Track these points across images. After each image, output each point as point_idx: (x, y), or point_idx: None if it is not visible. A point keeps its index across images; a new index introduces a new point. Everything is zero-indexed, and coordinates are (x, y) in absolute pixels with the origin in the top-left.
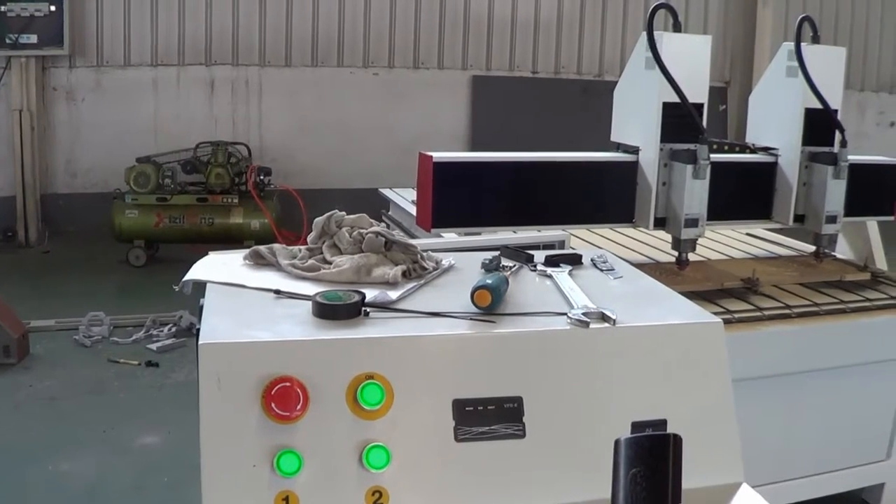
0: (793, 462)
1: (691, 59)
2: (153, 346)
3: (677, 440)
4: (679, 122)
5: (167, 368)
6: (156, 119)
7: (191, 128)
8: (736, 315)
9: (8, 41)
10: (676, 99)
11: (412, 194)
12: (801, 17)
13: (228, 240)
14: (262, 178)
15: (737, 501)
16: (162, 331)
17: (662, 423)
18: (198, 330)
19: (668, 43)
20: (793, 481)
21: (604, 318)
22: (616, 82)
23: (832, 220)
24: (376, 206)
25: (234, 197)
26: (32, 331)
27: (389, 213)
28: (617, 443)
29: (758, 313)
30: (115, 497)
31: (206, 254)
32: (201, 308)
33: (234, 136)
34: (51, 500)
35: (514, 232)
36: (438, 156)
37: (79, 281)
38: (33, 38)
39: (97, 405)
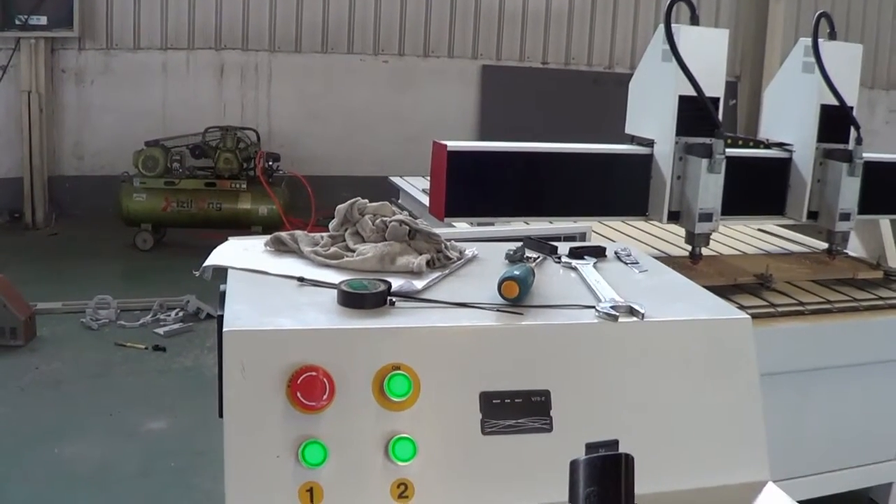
0: (801, 459)
1: (708, 53)
2: (160, 331)
3: (629, 460)
4: (695, 115)
5: (174, 353)
6: (164, 103)
7: (200, 112)
8: (749, 311)
9: (17, 22)
10: (692, 92)
11: (422, 182)
12: (818, 13)
13: (236, 225)
14: (270, 163)
15: (762, 500)
16: (169, 315)
17: (615, 444)
18: (215, 316)
19: (686, 36)
20: (801, 479)
21: (632, 311)
22: (626, 74)
23: (846, 217)
24: (385, 193)
25: (242, 182)
26: (39, 313)
27: (399, 201)
28: (574, 463)
29: (771, 309)
30: (121, 482)
31: (226, 239)
32: (222, 294)
33: (242, 122)
34: (56, 483)
35: (527, 223)
36: (453, 145)
37: (85, 264)
38: (43, 20)
39: (103, 389)
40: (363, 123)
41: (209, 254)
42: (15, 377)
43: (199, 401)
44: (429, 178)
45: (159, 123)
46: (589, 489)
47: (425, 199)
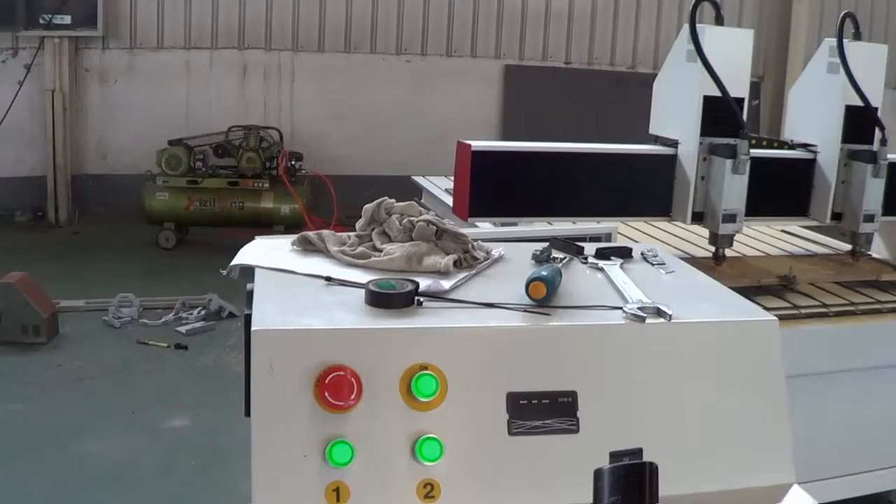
0: (824, 462)
1: (733, 53)
2: (182, 329)
3: (653, 468)
4: (719, 116)
5: (196, 351)
6: (187, 102)
7: (222, 112)
8: (772, 312)
9: (42, 21)
10: (717, 92)
11: (445, 182)
12: (843, 13)
13: (258, 224)
14: (293, 163)
15: (788, 502)
16: (191, 314)
17: (639, 452)
18: (238, 315)
19: (711, 36)
20: (821, 481)
21: (659, 313)
22: (649, 74)
23: (870, 218)
24: (407, 193)
25: (265, 181)
26: (62, 311)
27: (422, 200)
28: (598, 472)
29: (794, 311)
30: (142, 479)
31: (252, 238)
32: (250, 293)
33: (265, 121)
34: (78, 480)
35: (550, 223)
36: (477, 145)
37: (108, 262)
38: (67, 19)
39: (125, 386)
40: (385, 123)
41: (232, 252)
42: (37, 374)
43: (220, 399)
44: (451, 177)
45: (182, 122)
46: (613, 498)
47: (448, 199)
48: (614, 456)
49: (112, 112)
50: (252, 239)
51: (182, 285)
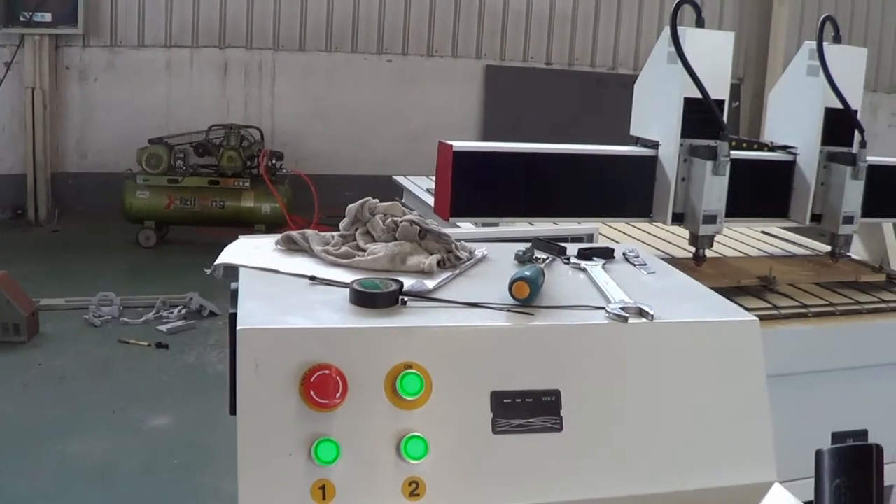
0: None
1: (713, 55)
2: (163, 328)
3: (879, 451)
4: (700, 117)
5: (177, 350)
6: (168, 101)
7: (203, 110)
8: (752, 313)
9: (22, 19)
10: (698, 94)
11: (426, 182)
12: (823, 16)
13: (239, 223)
14: (273, 162)
15: (769, 500)
16: (172, 312)
17: (863, 434)
18: (218, 314)
19: (691, 38)
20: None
21: (641, 313)
22: (630, 75)
23: (849, 220)
24: (388, 192)
25: (245, 180)
26: (42, 309)
27: (403, 200)
28: (819, 453)
29: (774, 312)
30: (124, 478)
31: (236, 237)
32: (234, 292)
33: (246, 120)
34: (60, 480)
35: (531, 224)
36: (459, 145)
37: (88, 260)
38: (47, 17)
39: (107, 385)
40: (366, 122)
41: (212, 251)
42: (18, 373)
43: (202, 398)
44: (433, 177)
45: (163, 121)
46: (837, 481)
47: (429, 199)
48: (837, 436)
49: (92, 110)
50: (236, 238)
51: (163, 284)
